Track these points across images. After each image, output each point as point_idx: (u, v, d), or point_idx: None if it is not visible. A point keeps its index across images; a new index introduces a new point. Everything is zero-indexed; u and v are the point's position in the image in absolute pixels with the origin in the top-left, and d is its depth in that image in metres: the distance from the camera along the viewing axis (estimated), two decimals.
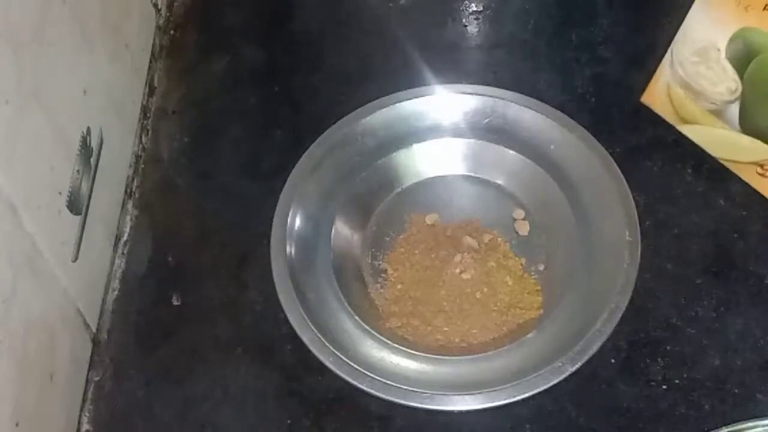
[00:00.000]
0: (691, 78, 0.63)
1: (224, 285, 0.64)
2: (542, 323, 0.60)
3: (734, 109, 0.62)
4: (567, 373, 0.56)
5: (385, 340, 0.60)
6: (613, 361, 0.59)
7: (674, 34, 0.73)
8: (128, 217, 0.68)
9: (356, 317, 0.61)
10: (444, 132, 0.68)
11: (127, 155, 0.71)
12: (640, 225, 0.61)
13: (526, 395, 0.56)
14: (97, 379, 0.61)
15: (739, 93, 0.61)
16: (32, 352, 0.54)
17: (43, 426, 0.56)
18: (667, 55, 0.64)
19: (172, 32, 0.78)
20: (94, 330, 0.63)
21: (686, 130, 0.66)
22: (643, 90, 0.68)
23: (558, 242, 0.64)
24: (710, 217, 0.65)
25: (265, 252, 0.62)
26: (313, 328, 0.58)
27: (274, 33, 0.78)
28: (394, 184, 0.67)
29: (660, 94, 0.66)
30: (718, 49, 0.60)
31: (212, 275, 0.65)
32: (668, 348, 0.59)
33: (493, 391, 0.56)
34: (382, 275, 0.64)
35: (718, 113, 0.63)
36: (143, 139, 0.72)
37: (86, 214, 0.62)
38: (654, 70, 0.71)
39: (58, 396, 0.58)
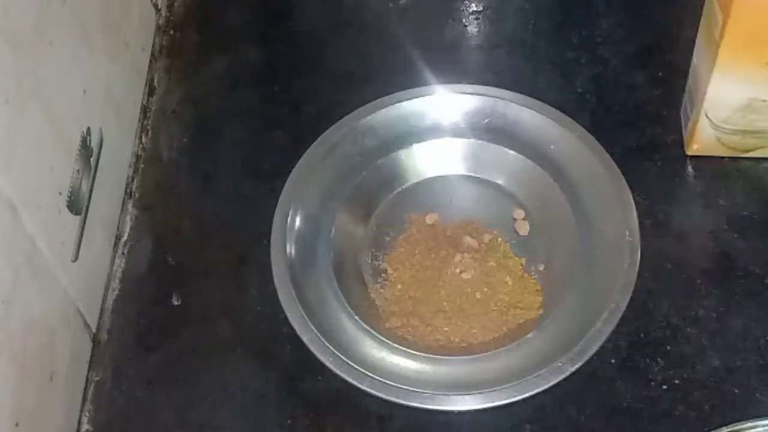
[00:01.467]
0: (746, 126, 0.62)
1: (224, 285, 0.64)
2: (542, 323, 0.60)
3: None
4: (567, 373, 0.56)
5: (385, 340, 0.60)
6: (613, 361, 0.59)
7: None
8: (128, 217, 0.68)
9: (356, 317, 0.61)
10: (444, 132, 0.68)
11: (127, 155, 0.71)
12: (640, 225, 0.61)
13: (526, 395, 0.56)
14: (97, 379, 0.61)
15: None
16: (32, 352, 0.54)
17: (43, 426, 0.56)
18: (702, 119, 0.62)
19: (172, 32, 0.78)
20: (94, 330, 0.63)
21: (753, 153, 0.65)
22: (684, 139, 0.66)
23: (558, 242, 0.64)
24: (710, 217, 0.64)
25: (265, 252, 0.62)
26: (313, 328, 0.58)
27: (274, 33, 0.78)
28: (394, 184, 0.67)
29: (710, 144, 0.64)
30: (764, 100, 0.59)
31: (212, 275, 0.65)
32: (668, 348, 0.59)
33: (493, 391, 0.56)
34: (382, 275, 0.64)
35: None
36: (143, 139, 0.72)
37: (86, 214, 0.62)
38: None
39: (58, 396, 0.58)
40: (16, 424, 0.52)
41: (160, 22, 0.78)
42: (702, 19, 0.61)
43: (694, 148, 0.65)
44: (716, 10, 0.57)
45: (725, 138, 0.63)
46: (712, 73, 0.59)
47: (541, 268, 0.63)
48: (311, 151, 0.66)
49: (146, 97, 0.74)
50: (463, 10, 0.77)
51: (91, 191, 0.62)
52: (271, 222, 0.63)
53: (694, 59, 0.63)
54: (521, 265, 0.63)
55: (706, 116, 0.62)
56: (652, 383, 0.58)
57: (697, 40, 0.62)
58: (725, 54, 0.57)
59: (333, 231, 0.64)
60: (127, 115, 0.71)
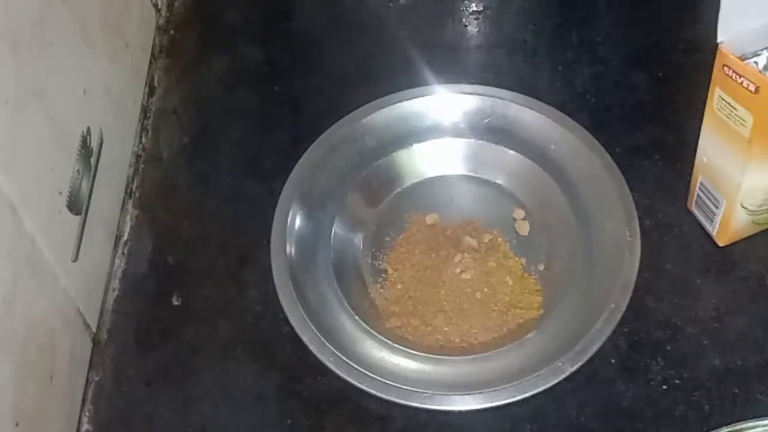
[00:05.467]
0: None
1: (224, 285, 0.64)
2: (542, 323, 0.60)
3: None
4: (567, 373, 0.56)
5: (385, 340, 0.60)
6: (613, 361, 0.59)
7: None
8: (128, 217, 0.68)
9: (356, 317, 0.61)
10: (444, 132, 0.68)
11: (127, 155, 0.71)
12: (640, 225, 0.61)
13: (526, 395, 0.56)
14: (97, 379, 0.61)
15: None
16: (32, 352, 0.54)
17: (43, 426, 0.56)
18: (737, 210, 0.60)
19: (172, 32, 0.78)
20: (94, 330, 0.63)
21: None
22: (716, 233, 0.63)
23: (558, 242, 0.64)
24: None
25: (265, 252, 0.62)
26: (313, 328, 0.58)
27: (274, 33, 0.78)
28: (394, 184, 0.67)
29: (744, 228, 0.62)
30: None
31: (212, 275, 0.65)
32: (668, 348, 0.59)
33: (493, 391, 0.56)
34: (382, 275, 0.64)
35: None
36: (143, 139, 0.72)
37: (86, 214, 0.62)
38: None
39: (58, 396, 0.58)
40: (16, 424, 0.52)
41: (160, 22, 0.78)
42: (708, 114, 0.58)
43: (728, 238, 0.62)
44: (738, 109, 0.54)
45: (761, 218, 0.61)
46: (746, 167, 0.56)
47: (541, 268, 0.63)
48: (311, 151, 0.66)
49: (146, 97, 0.74)
50: (463, 10, 0.77)
51: (91, 191, 0.62)
52: (271, 222, 0.63)
53: (704, 157, 0.60)
54: (521, 265, 0.63)
55: (742, 206, 0.60)
56: (652, 383, 0.58)
57: (705, 136, 0.59)
58: (758, 147, 0.55)
59: (333, 231, 0.64)
60: (127, 115, 0.71)
